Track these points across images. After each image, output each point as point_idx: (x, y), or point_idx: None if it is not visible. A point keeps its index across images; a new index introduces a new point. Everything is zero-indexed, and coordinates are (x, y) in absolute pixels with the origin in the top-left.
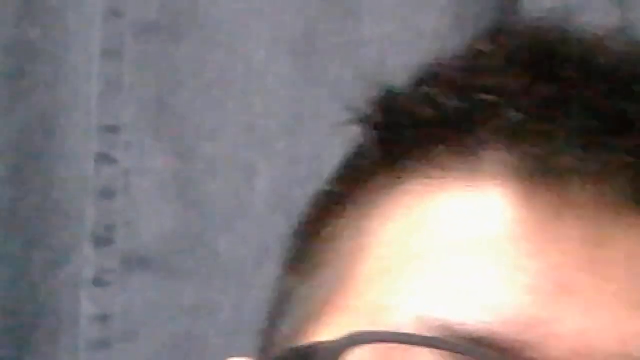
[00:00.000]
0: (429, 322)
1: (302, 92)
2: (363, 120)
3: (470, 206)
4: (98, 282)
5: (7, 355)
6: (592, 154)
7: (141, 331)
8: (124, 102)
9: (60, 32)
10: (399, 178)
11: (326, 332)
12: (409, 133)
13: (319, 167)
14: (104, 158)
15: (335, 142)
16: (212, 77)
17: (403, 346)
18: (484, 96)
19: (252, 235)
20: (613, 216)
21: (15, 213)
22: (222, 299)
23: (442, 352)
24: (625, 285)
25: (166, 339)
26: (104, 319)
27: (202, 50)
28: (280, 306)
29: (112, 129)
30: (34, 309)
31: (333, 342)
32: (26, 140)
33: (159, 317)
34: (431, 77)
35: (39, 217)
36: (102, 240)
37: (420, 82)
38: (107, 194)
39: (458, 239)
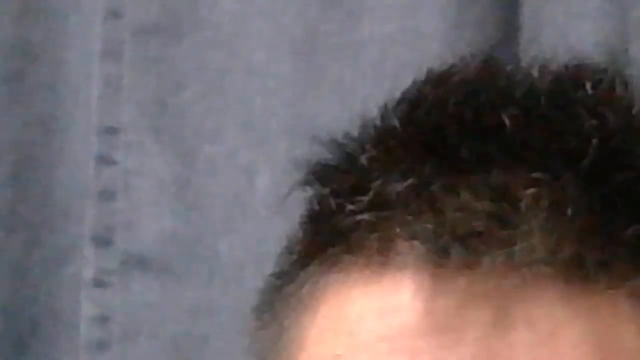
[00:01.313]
0: None
1: (302, 92)
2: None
3: (382, 302)
4: (98, 282)
5: (7, 355)
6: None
7: (141, 331)
8: (123, 103)
9: (60, 32)
10: (325, 267)
11: None
12: (335, 221)
13: None
14: (104, 159)
15: None
16: (212, 77)
17: None
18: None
19: (252, 235)
20: (521, 291)
21: (15, 213)
22: (222, 299)
23: None
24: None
25: (166, 340)
26: (103, 319)
27: (202, 50)
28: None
29: (112, 130)
30: (34, 310)
31: None
32: (26, 141)
33: (159, 318)
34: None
35: (39, 217)
36: (102, 241)
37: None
38: (107, 194)
39: (375, 337)
